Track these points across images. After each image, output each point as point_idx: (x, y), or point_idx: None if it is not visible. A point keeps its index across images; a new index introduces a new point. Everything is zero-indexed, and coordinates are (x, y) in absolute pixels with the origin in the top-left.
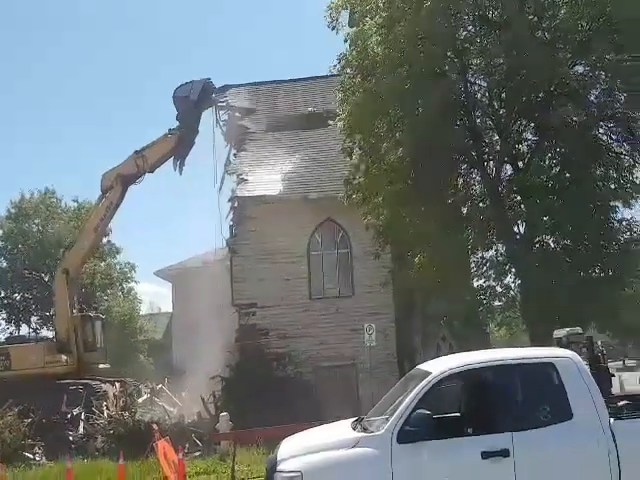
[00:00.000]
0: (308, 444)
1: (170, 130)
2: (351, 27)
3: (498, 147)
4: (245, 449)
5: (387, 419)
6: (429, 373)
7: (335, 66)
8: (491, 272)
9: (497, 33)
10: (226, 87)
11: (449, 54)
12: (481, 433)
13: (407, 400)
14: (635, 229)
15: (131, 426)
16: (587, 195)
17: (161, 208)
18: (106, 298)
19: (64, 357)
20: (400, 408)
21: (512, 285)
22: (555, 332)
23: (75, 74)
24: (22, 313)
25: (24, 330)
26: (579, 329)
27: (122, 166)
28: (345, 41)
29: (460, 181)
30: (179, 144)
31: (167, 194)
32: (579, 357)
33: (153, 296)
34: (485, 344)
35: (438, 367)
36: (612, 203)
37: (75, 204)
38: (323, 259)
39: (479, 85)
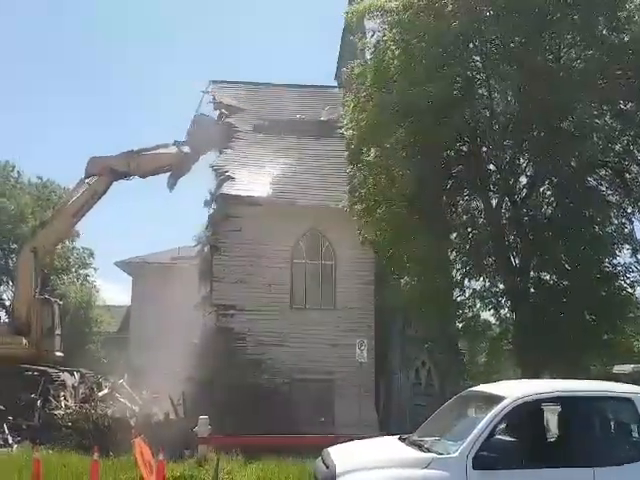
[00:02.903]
0: (369, 459)
1: (175, 142)
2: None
3: (498, 176)
4: (223, 455)
5: (457, 442)
6: (501, 397)
7: (349, 74)
8: (480, 302)
9: (512, 66)
10: (215, 82)
11: (473, 73)
12: (561, 465)
13: (482, 424)
14: (630, 275)
15: (94, 420)
16: (584, 236)
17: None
18: (62, 283)
19: (24, 340)
20: (474, 432)
21: (507, 316)
22: (616, 367)
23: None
24: None
25: None
26: None
27: (114, 160)
28: (361, 50)
29: (461, 207)
30: (179, 162)
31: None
32: None
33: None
34: (462, 373)
35: (512, 392)
36: (610, 247)
37: (39, 180)
38: (306, 268)
39: (490, 113)
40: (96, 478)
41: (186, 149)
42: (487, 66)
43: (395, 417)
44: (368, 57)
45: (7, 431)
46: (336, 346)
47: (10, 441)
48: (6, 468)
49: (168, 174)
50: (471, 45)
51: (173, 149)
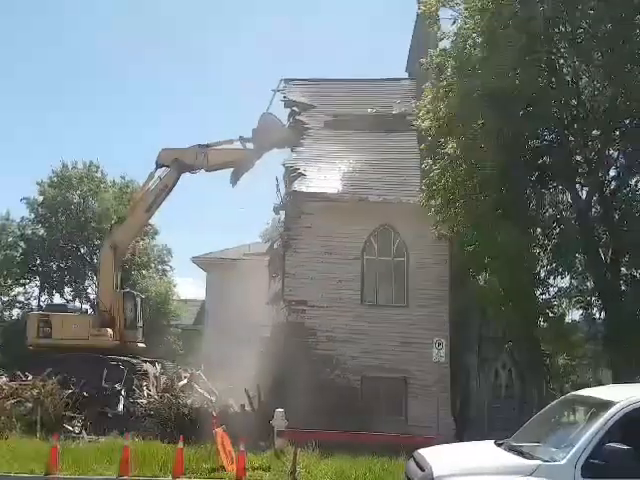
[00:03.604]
0: (468, 464)
1: (241, 137)
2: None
3: (587, 168)
4: (299, 449)
5: (563, 448)
6: (611, 402)
7: (429, 63)
8: (567, 301)
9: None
10: (286, 81)
11: (560, 61)
12: None
13: (591, 430)
14: None
15: (175, 409)
16: None
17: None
18: (142, 278)
19: (110, 331)
20: (583, 438)
21: (596, 316)
22: None
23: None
24: (56, 283)
25: (57, 300)
26: None
27: (182, 152)
28: (440, 39)
29: (546, 200)
30: (241, 158)
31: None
32: None
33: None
34: (545, 375)
35: (623, 397)
36: None
37: (122, 180)
38: (378, 265)
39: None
40: (181, 466)
41: (250, 146)
42: (575, 52)
43: (473, 419)
44: (448, 46)
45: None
46: (408, 344)
47: (79, 430)
48: (96, 455)
49: (231, 170)
50: (557, 30)
51: (238, 145)
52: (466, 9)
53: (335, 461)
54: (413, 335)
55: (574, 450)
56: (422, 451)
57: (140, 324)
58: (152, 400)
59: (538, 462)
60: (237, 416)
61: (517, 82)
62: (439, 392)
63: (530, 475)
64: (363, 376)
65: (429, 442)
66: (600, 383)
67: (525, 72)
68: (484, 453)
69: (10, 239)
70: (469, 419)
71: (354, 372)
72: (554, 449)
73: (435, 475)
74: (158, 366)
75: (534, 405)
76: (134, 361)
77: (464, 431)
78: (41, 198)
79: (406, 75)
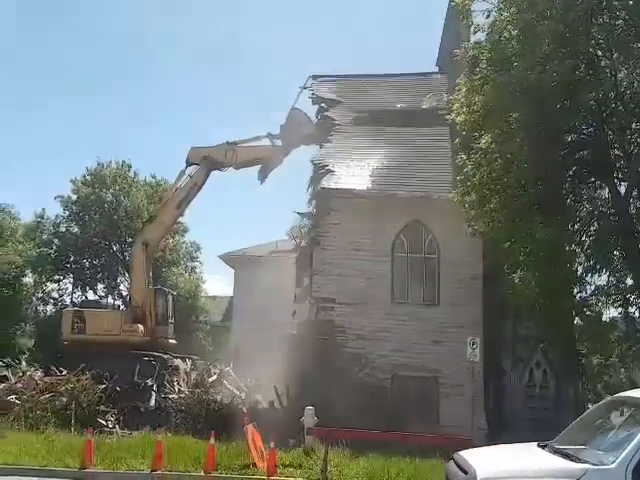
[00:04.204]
0: (513, 467)
1: (268, 134)
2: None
3: (626, 162)
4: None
5: (612, 452)
6: None
7: (463, 56)
8: (605, 299)
9: None
10: (314, 77)
11: (598, 53)
12: None
13: None
14: None
15: (206, 405)
16: None
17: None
18: (172, 275)
19: (141, 327)
20: (635, 441)
21: (636, 315)
22: None
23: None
24: (89, 279)
25: (90, 296)
26: None
27: (212, 149)
28: (474, 32)
29: (584, 196)
30: (271, 156)
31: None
32: None
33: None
34: (582, 375)
35: None
36: None
37: (153, 179)
38: (408, 262)
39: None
40: (212, 461)
41: (278, 142)
42: (613, 44)
43: (506, 420)
44: (483, 38)
45: (112, 417)
46: (440, 343)
47: (112, 425)
48: (130, 449)
49: (259, 167)
50: (595, 21)
51: (267, 142)
52: (501, 2)
53: (366, 461)
54: (445, 334)
55: (625, 453)
56: (463, 453)
57: (171, 320)
58: (183, 396)
59: (587, 466)
60: (266, 413)
61: (554, 74)
62: (471, 392)
63: (579, 479)
64: (393, 375)
65: (464, 444)
66: (634, 383)
67: (562, 64)
68: (528, 456)
69: (45, 236)
70: (502, 420)
71: (384, 371)
72: (601, 452)
73: (479, 478)
74: (189, 362)
75: (569, 406)
76: (165, 357)
77: (497, 432)
78: (75, 196)
79: (436, 70)
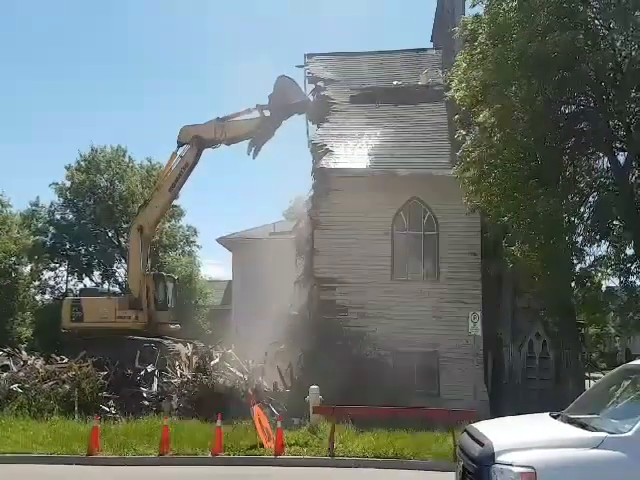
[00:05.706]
0: (529, 437)
1: (258, 105)
2: None
3: (625, 133)
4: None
5: (627, 420)
6: None
7: (461, 31)
8: (604, 269)
9: None
10: (310, 55)
11: (596, 22)
12: None
13: None
14: None
15: (209, 388)
16: None
17: (227, 174)
18: (169, 259)
19: (133, 313)
20: None
21: (637, 283)
22: None
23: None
24: (85, 266)
25: (87, 283)
26: None
27: (201, 127)
28: (472, 6)
29: (584, 167)
30: (259, 127)
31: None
32: None
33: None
34: (579, 345)
35: None
36: None
37: (148, 163)
38: (408, 239)
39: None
40: (220, 444)
41: (268, 113)
42: (612, 14)
43: (507, 391)
44: (481, 12)
45: (114, 403)
46: (440, 318)
47: (115, 411)
48: (135, 434)
49: (249, 141)
50: None
51: (255, 113)
52: None
53: (371, 436)
54: (445, 308)
55: None
56: (477, 425)
57: (171, 305)
58: (185, 380)
59: (603, 434)
60: (270, 394)
61: (555, 46)
62: (472, 365)
63: (596, 448)
64: (395, 351)
65: (469, 416)
66: (629, 351)
67: (561, 35)
68: (542, 426)
69: (40, 224)
70: (503, 391)
71: (386, 347)
72: (617, 421)
73: (496, 450)
74: (190, 346)
75: (569, 376)
76: (166, 342)
77: (498, 403)
78: (69, 183)
79: (431, 45)
